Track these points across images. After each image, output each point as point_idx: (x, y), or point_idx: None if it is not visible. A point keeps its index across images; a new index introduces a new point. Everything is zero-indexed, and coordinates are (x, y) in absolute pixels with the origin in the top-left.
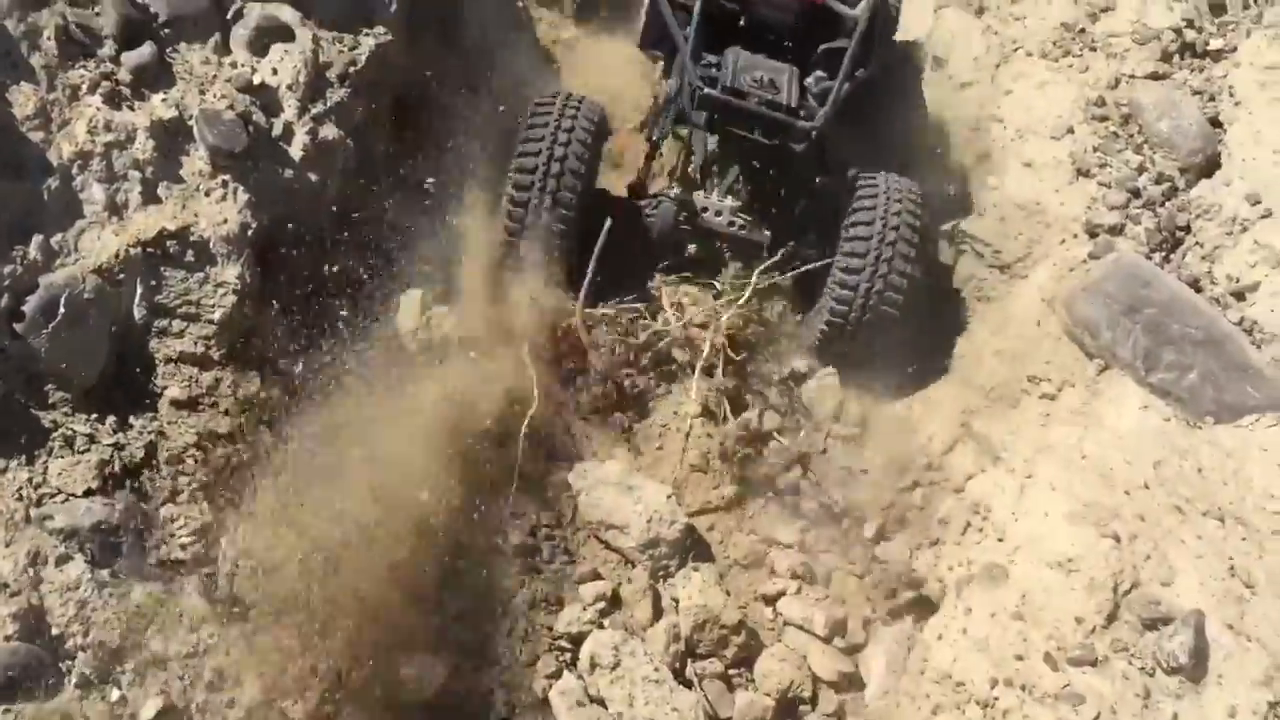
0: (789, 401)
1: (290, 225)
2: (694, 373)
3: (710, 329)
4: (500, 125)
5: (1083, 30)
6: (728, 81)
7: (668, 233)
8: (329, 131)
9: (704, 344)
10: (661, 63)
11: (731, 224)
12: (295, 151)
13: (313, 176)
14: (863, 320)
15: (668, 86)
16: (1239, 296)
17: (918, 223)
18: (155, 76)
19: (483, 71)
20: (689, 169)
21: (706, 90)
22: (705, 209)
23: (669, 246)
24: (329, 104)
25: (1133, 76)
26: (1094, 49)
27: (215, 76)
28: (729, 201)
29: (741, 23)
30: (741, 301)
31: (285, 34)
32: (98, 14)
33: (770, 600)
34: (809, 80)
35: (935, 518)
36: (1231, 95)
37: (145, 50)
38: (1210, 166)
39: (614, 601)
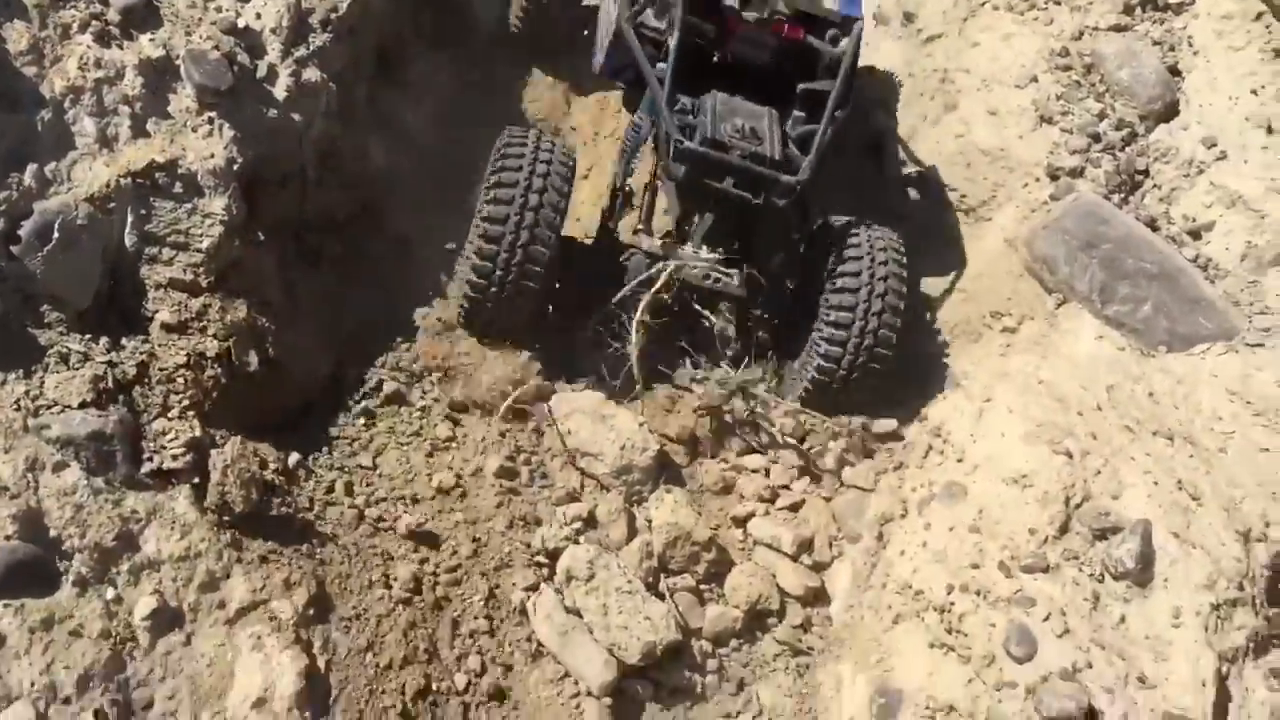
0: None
1: (274, 163)
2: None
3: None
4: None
5: None
6: (707, 131)
7: (641, 283)
8: (311, 74)
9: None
10: (621, 93)
11: (708, 277)
12: (279, 92)
13: (296, 116)
14: (852, 373)
15: (635, 120)
16: (1195, 235)
17: (904, 273)
18: (143, 18)
19: (460, 29)
20: (653, 214)
21: (686, 144)
22: (682, 260)
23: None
24: (311, 48)
25: (1096, 28)
26: (1059, 3)
27: (201, 19)
28: (704, 253)
29: (715, 59)
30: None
31: None
32: None
33: (740, 522)
34: (788, 124)
35: (900, 444)
36: (1190, 45)
37: None
38: (1169, 112)
39: (590, 522)
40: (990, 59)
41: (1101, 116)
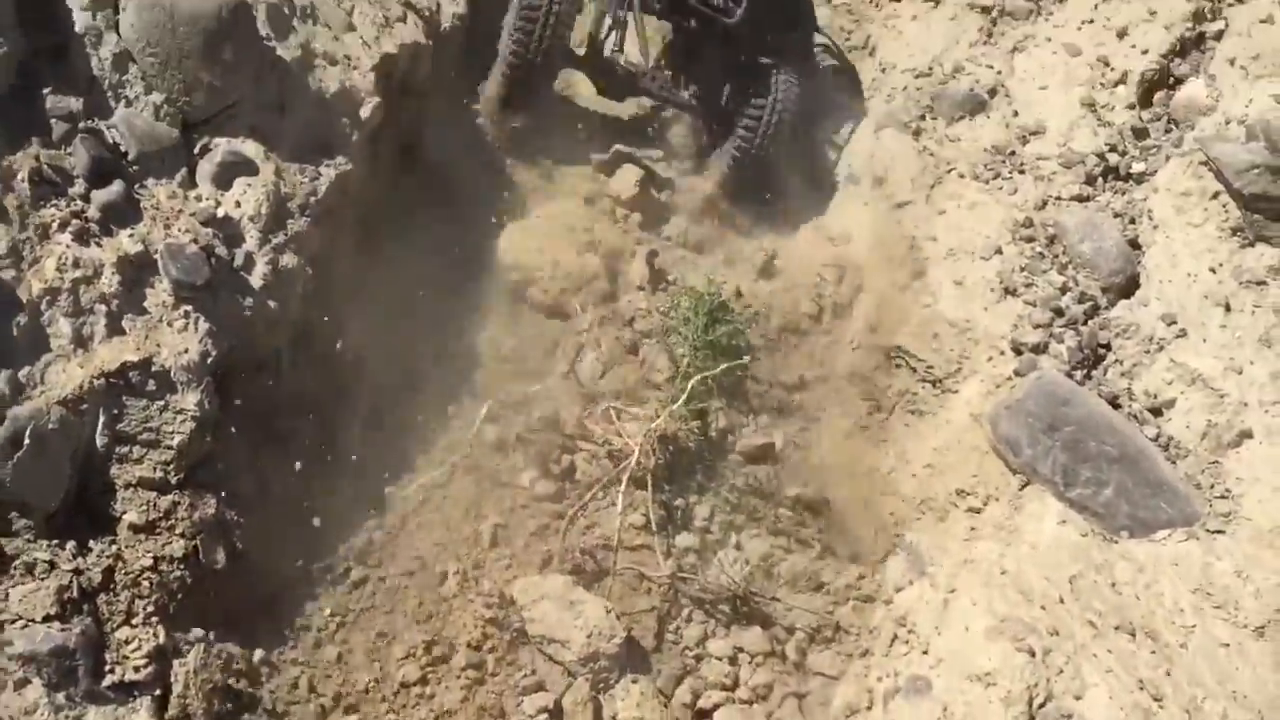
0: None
1: (249, 350)
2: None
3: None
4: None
5: (1012, 153)
6: None
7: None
8: (289, 260)
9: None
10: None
11: (663, 87)
12: (255, 280)
13: (272, 304)
14: (762, 149)
15: None
16: (1156, 413)
17: (798, 89)
18: (123, 213)
19: (444, 193)
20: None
21: None
22: (645, 72)
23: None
24: (289, 233)
25: (1059, 199)
26: (1023, 171)
27: (180, 211)
28: (664, 71)
29: None
30: (676, 407)
31: (249, 168)
32: (69, 154)
33: (706, 714)
34: None
35: (867, 628)
36: (1150, 219)
37: (114, 188)
38: (1130, 286)
39: (556, 714)
40: (956, 228)
41: (1064, 290)
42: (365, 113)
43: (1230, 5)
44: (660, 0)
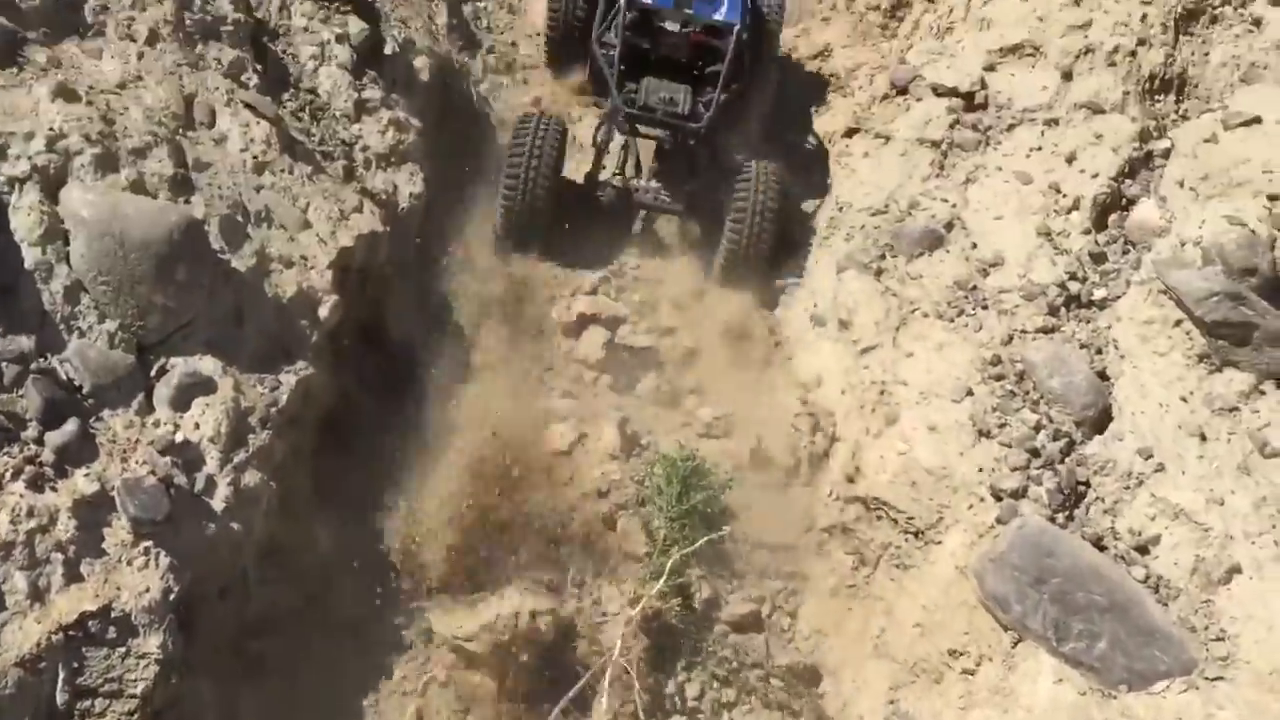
0: None
1: (214, 577)
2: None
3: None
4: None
5: (974, 288)
6: (641, 102)
7: (614, 209)
8: (251, 478)
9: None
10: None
11: (655, 198)
12: (217, 504)
13: (235, 525)
14: (751, 250)
15: (607, 103)
16: (1142, 551)
17: (780, 186)
18: (79, 451)
19: (408, 375)
20: (623, 164)
21: (626, 110)
22: (637, 190)
23: (615, 218)
24: (251, 450)
25: (1024, 332)
26: (986, 307)
27: (138, 440)
28: (652, 183)
29: (652, 57)
30: (659, 587)
31: (207, 386)
32: (21, 397)
33: None
34: (703, 95)
35: None
36: (1116, 348)
37: (69, 428)
38: (1103, 419)
39: None
40: (925, 371)
41: (1038, 428)
42: (324, 312)
43: (1173, 125)
44: (631, 121)
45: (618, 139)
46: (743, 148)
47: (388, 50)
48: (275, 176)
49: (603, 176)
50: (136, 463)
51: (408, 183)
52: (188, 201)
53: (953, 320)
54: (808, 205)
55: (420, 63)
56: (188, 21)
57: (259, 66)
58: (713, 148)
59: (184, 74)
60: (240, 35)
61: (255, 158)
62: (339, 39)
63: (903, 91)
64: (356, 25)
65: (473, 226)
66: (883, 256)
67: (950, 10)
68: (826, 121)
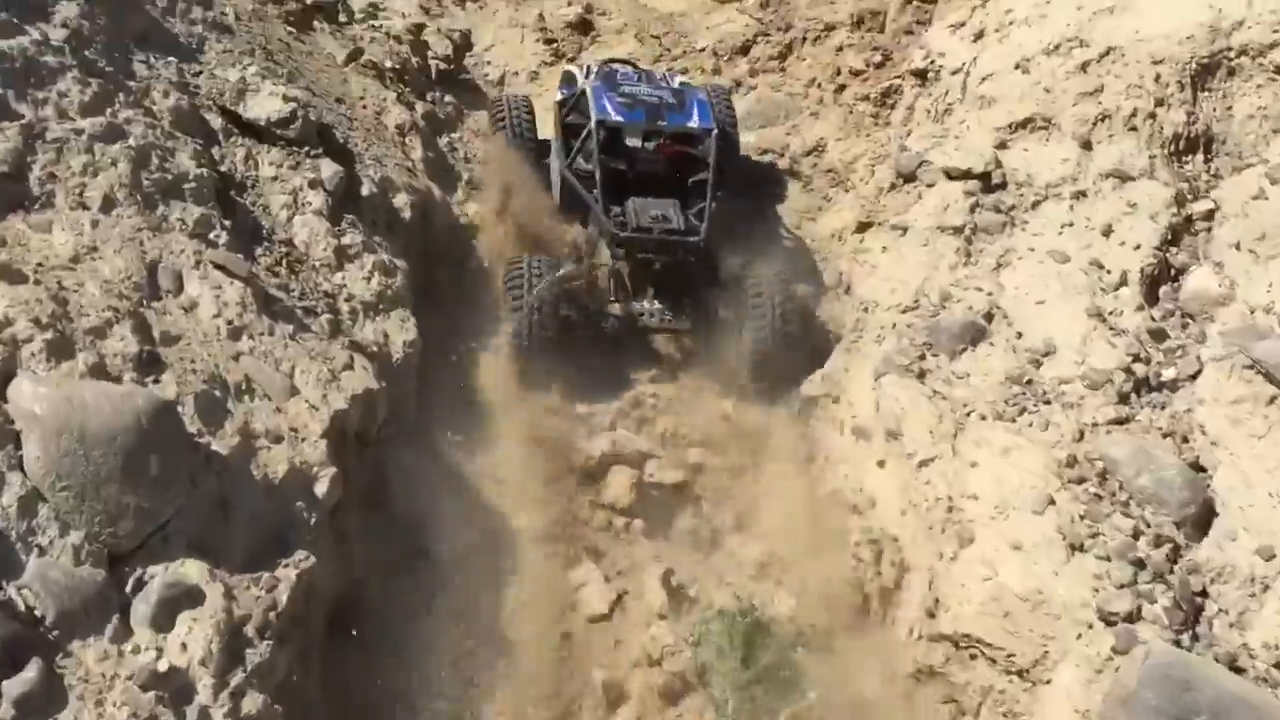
0: None
1: None
2: None
3: None
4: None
5: (1030, 382)
6: (634, 224)
7: (620, 337)
8: (252, 703)
9: None
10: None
11: (661, 320)
12: None
13: None
14: (776, 351)
15: (589, 229)
16: None
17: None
18: (44, 699)
19: (419, 548)
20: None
21: (621, 235)
22: (641, 313)
23: (621, 345)
24: (249, 668)
25: (1096, 425)
26: (1048, 402)
27: (114, 676)
28: (655, 305)
29: (630, 176)
30: None
31: (193, 597)
32: None
33: None
34: (689, 206)
35: None
36: (1204, 434)
37: (30, 673)
38: (1206, 517)
39: None
40: (995, 481)
41: (1136, 534)
42: (322, 490)
43: (1208, 185)
44: (627, 246)
45: (603, 256)
46: (738, 253)
47: (365, 191)
48: (254, 341)
49: (606, 305)
50: (114, 705)
51: (399, 330)
52: (157, 381)
53: (1014, 420)
54: (823, 309)
55: (400, 200)
56: (146, 182)
57: (227, 222)
58: (709, 258)
59: (145, 239)
60: (204, 191)
61: (230, 322)
62: (311, 184)
63: (910, 179)
64: (329, 168)
65: (475, 370)
66: (922, 356)
67: (946, 92)
68: (833, 218)
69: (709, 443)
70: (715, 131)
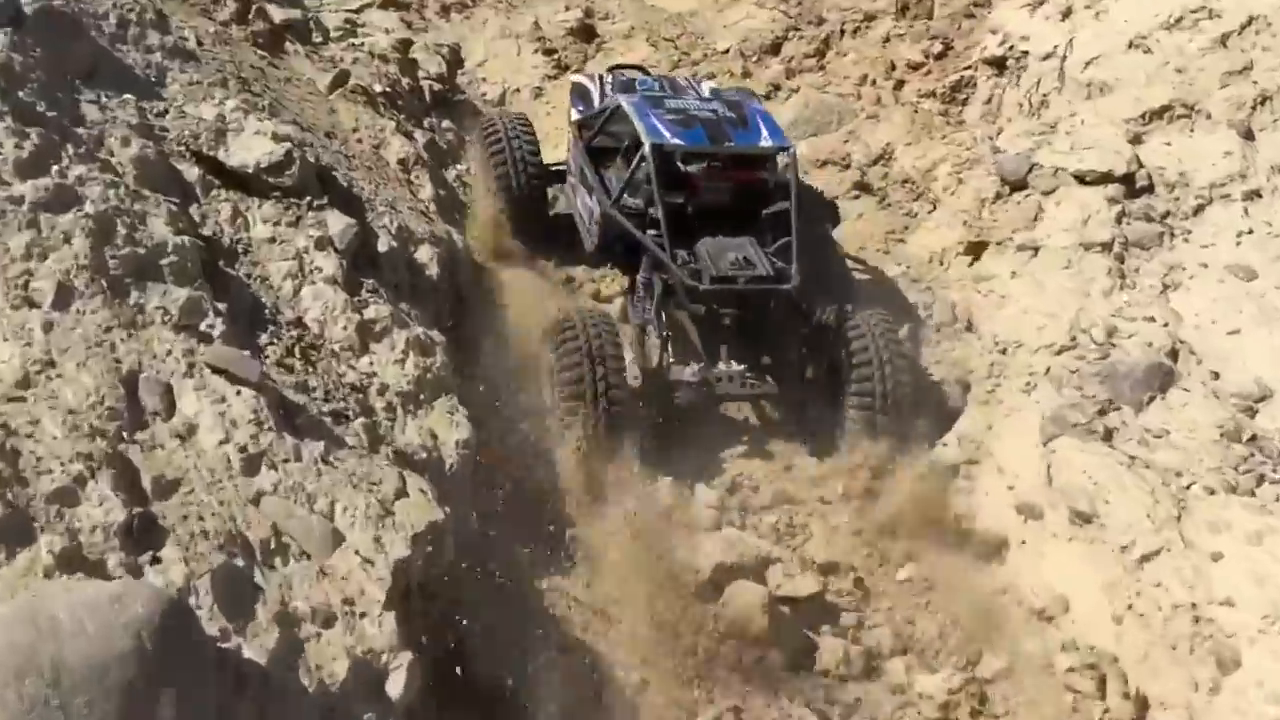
0: None
1: None
2: None
3: None
4: None
5: (1254, 438)
6: (714, 271)
7: (694, 408)
8: None
9: None
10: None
11: (744, 384)
12: None
13: None
14: (885, 412)
15: (640, 275)
16: None
17: (896, 330)
18: None
19: None
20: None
21: (703, 287)
22: (719, 378)
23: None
24: None
25: None
26: None
27: None
28: (735, 367)
29: (690, 211)
30: None
31: None
32: None
33: None
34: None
35: None
36: None
37: None
38: None
39: None
40: (1255, 580)
41: None
42: (397, 688)
43: None
44: (706, 301)
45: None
46: (821, 291)
47: (382, 246)
48: (278, 472)
49: (674, 374)
50: None
51: (449, 427)
52: (157, 560)
53: (1254, 493)
54: (935, 350)
55: (424, 255)
56: (111, 261)
57: (220, 305)
58: (793, 305)
59: (117, 341)
60: (187, 266)
61: (243, 450)
62: (319, 244)
63: (1019, 186)
64: (338, 222)
65: (537, 467)
66: (1102, 410)
67: (1038, 81)
68: (929, 238)
69: (831, 536)
70: (793, 150)
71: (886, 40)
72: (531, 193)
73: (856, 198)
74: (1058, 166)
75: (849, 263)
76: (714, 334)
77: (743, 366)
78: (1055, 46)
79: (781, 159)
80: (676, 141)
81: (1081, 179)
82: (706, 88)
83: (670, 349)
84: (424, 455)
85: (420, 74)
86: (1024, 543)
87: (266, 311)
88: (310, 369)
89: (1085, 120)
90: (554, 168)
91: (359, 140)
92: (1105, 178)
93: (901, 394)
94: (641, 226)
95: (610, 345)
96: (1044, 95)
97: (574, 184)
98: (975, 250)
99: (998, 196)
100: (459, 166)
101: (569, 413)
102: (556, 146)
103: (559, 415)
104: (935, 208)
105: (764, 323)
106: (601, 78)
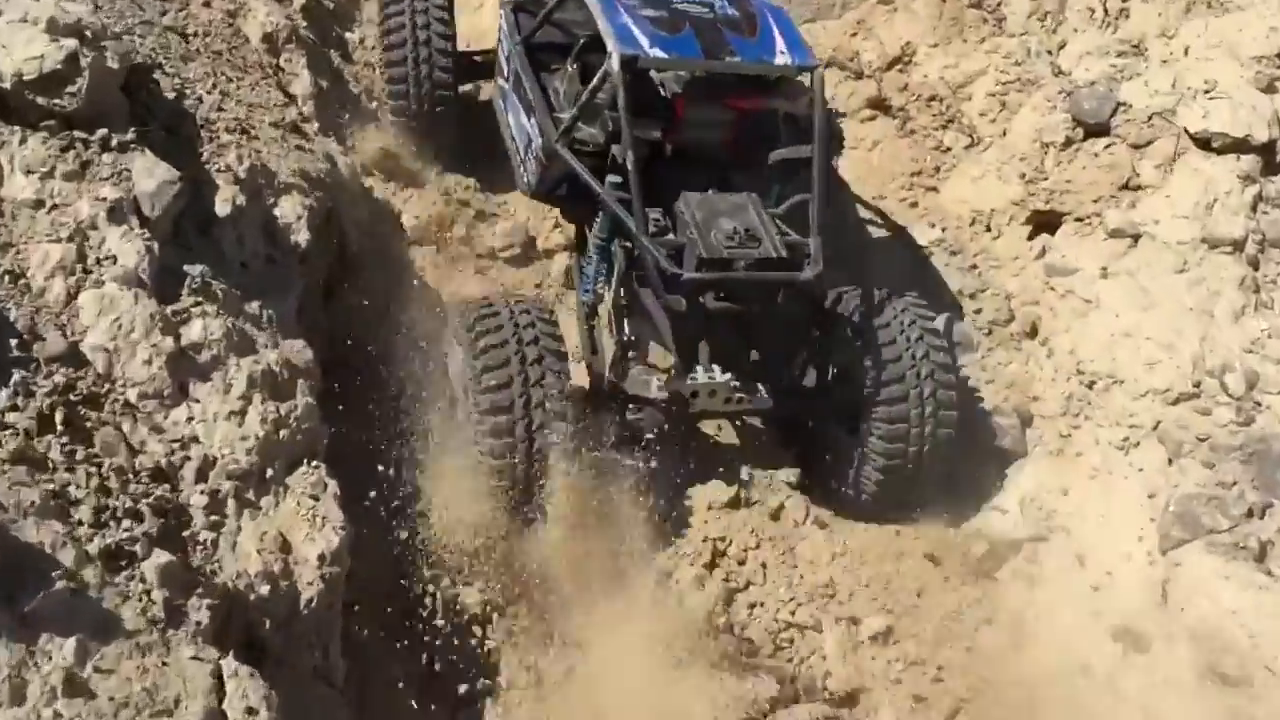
0: None
1: None
2: None
3: None
4: None
5: None
6: (700, 249)
7: (654, 428)
8: None
9: None
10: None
11: (730, 399)
12: None
13: None
14: (923, 455)
15: (593, 237)
16: None
17: (944, 343)
18: None
19: None
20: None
21: (685, 275)
22: (696, 392)
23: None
24: None
25: None
26: None
27: None
28: (719, 376)
29: (669, 153)
30: None
31: None
32: None
33: None
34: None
35: None
36: None
37: None
38: None
39: None
40: None
41: None
42: None
43: None
44: (692, 291)
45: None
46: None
47: (222, 206)
48: None
49: (633, 386)
50: None
51: (309, 528)
52: None
53: None
54: (975, 359)
55: (291, 209)
56: None
57: None
58: (815, 298)
59: None
60: None
61: None
62: (115, 212)
63: (1099, 131)
64: (152, 173)
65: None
66: (1251, 514)
67: None
68: (969, 189)
69: (841, 647)
70: (820, 71)
71: None
72: (435, 103)
73: (872, 119)
74: (1155, 112)
75: (861, 213)
76: (692, 327)
77: (727, 375)
78: None
79: (807, 81)
80: (656, 53)
81: (1207, 142)
82: None
83: (633, 349)
84: (265, 591)
85: None
86: (1113, 680)
87: (14, 339)
88: (81, 449)
89: (1191, 49)
90: (478, 58)
91: (206, 3)
92: (1239, 145)
93: (945, 436)
94: (600, 170)
95: (549, 346)
96: (1124, 3)
97: (504, 90)
98: (1042, 222)
99: (1068, 143)
100: (352, 34)
101: (492, 453)
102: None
103: (476, 443)
104: (975, 142)
105: (766, 319)
106: None
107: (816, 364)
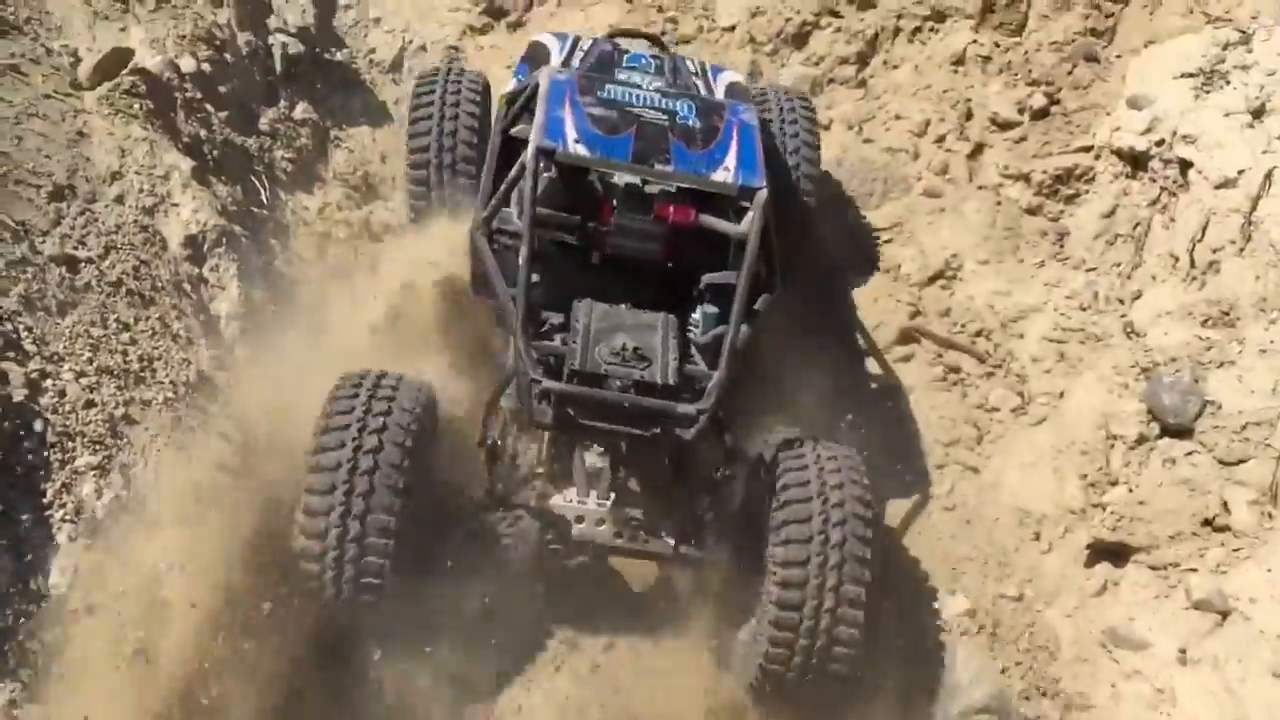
0: None
1: None
2: None
3: None
4: None
5: None
6: (576, 361)
7: (531, 558)
8: None
9: None
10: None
11: (619, 534)
12: None
13: None
14: (807, 666)
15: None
16: None
17: (868, 513)
18: None
19: None
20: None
21: (546, 384)
22: (580, 518)
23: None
24: None
25: None
26: None
27: None
28: (592, 503)
29: (592, 259)
30: None
31: None
32: None
33: None
34: (693, 329)
35: None
36: None
37: None
38: None
39: None
40: None
41: None
42: None
43: None
44: (559, 413)
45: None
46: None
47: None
48: None
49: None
50: None
51: None
52: None
53: None
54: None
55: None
56: None
57: None
58: (723, 438)
59: None
60: None
61: None
62: None
63: (1179, 432)
64: None
65: None
66: None
67: (1206, 221)
68: (1013, 476)
69: None
70: (764, 194)
71: (960, 61)
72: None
73: (907, 359)
74: (1251, 422)
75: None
76: (568, 446)
77: (605, 503)
78: (1241, 172)
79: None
80: (579, 149)
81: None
82: (722, 80)
83: (501, 455)
84: None
85: (273, 26)
86: None
87: None
88: None
89: None
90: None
91: (119, 199)
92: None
93: (843, 630)
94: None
95: (395, 437)
96: (1215, 252)
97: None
98: (1102, 555)
99: (1140, 441)
100: (312, 196)
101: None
102: None
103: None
104: (1026, 402)
105: (667, 452)
106: (577, 41)
107: (715, 510)
